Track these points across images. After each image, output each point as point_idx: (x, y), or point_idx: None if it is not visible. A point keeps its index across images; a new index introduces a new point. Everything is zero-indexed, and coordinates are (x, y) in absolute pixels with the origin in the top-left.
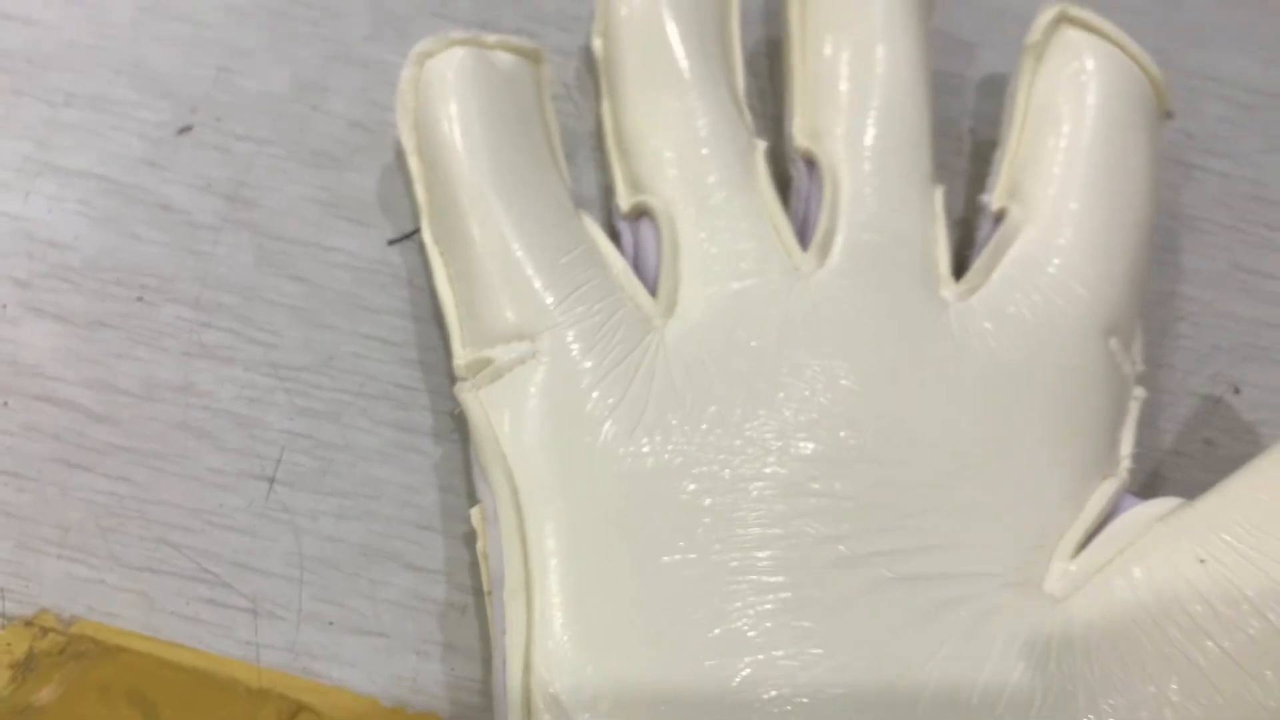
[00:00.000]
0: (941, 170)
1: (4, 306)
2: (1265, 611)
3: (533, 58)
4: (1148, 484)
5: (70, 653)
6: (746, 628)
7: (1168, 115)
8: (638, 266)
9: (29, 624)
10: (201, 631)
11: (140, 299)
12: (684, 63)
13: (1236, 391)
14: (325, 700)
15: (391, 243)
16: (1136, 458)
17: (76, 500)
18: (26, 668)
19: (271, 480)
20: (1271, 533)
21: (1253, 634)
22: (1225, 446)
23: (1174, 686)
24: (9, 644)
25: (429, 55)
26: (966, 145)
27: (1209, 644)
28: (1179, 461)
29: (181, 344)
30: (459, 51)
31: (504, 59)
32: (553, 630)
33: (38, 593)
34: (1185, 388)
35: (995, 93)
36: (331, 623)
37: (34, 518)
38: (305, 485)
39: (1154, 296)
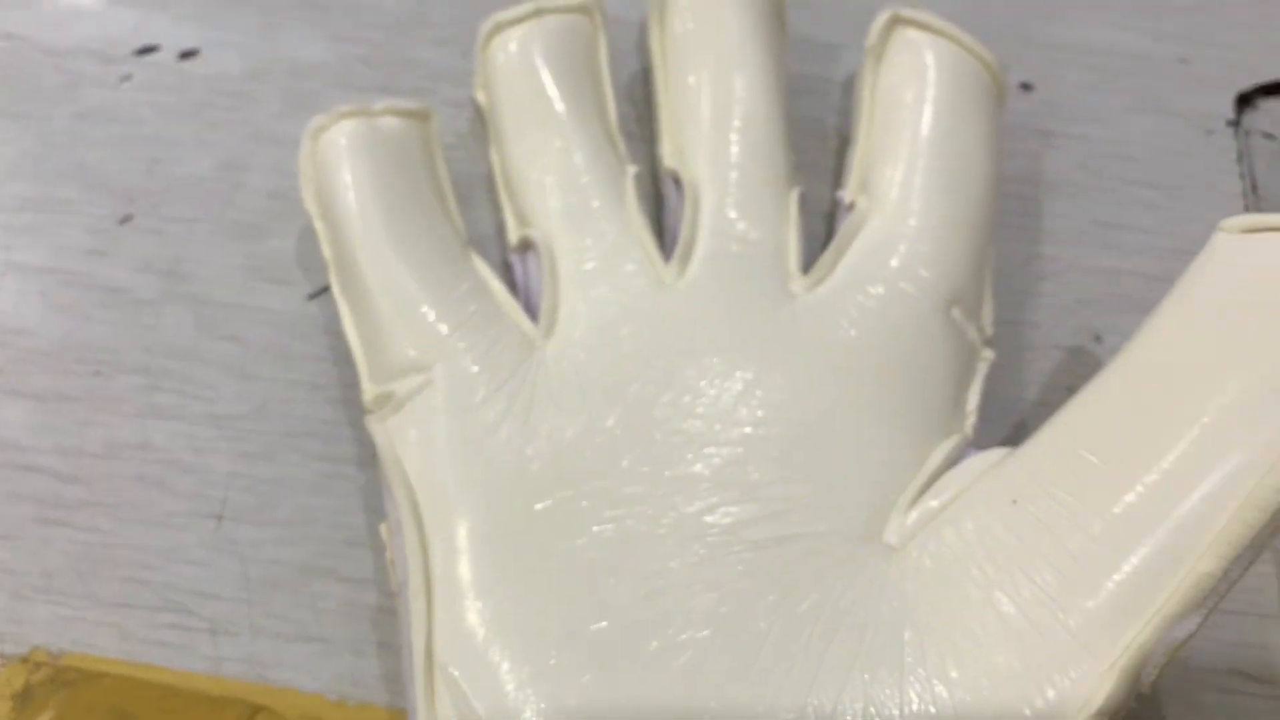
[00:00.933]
0: (811, 168)
1: None
2: (1067, 543)
3: (419, 117)
4: (1013, 435)
5: (60, 682)
6: (615, 594)
7: (1025, 88)
8: (529, 294)
9: (24, 661)
10: (169, 652)
11: (98, 372)
12: (558, 104)
13: (1098, 340)
14: (279, 700)
15: (310, 297)
16: (1004, 411)
17: (56, 552)
18: (25, 698)
19: (219, 517)
20: (1074, 472)
21: (1058, 567)
22: None
23: (991, 617)
24: (9, 679)
25: (322, 129)
26: (833, 143)
27: (1020, 576)
28: (1043, 411)
29: (135, 408)
30: (348, 124)
31: (391, 123)
32: (450, 621)
33: (30, 634)
34: (1050, 342)
35: None
36: (279, 634)
37: (21, 570)
38: (248, 518)
39: (1017, 259)
